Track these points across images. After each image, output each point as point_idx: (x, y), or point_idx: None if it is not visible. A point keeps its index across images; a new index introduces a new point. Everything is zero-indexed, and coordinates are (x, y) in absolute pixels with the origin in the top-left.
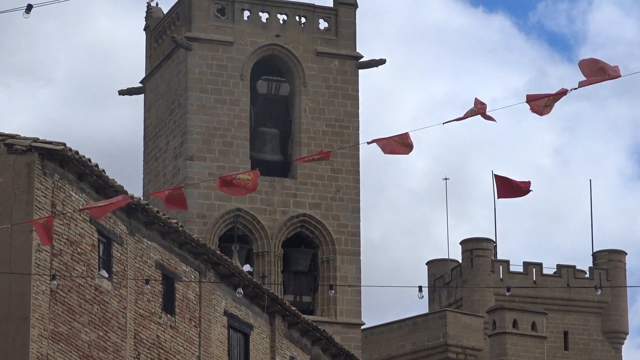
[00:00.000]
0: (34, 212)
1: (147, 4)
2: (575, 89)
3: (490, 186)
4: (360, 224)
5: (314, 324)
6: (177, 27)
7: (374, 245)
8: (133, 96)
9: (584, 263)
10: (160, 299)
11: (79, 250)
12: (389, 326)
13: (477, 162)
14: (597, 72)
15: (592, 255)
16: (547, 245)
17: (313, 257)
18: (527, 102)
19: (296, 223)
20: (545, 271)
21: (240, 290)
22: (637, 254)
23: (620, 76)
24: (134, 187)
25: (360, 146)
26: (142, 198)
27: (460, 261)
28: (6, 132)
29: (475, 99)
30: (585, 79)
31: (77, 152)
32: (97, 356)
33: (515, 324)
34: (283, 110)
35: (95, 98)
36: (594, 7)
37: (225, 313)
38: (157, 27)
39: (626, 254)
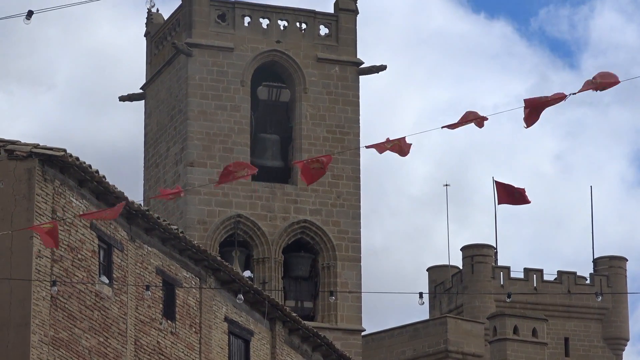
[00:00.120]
0: (35, 218)
1: (147, 10)
2: (574, 93)
3: (491, 192)
4: (361, 230)
5: (315, 330)
6: (177, 33)
7: (374, 251)
8: (134, 102)
9: (585, 269)
10: (161, 305)
11: (79, 256)
12: (389, 332)
13: (478, 168)
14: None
15: (592, 261)
16: (548, 251)
17: (313, 263)
18: (524, 107)
19: (297, 229)
20: (545, 277)
21: (240, 296)
22: (638, 260)
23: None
24: (135, 193)
25: (361, 152)
26: (142, 204)
27: (461, 267)
28: (7, 138)
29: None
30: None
31: (77, 158)
32: None
33: (515, 330)
34: (283, 117)
35: (96, 104)
36: (596, 13)
37: (226, 319)
38: (157, 33)
39: (627, 260)
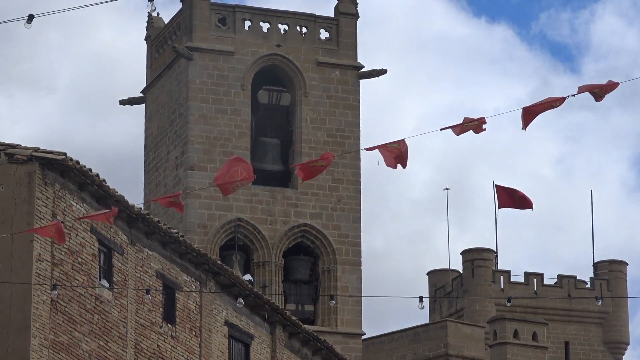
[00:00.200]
0: (35, 221)
1: (148, 14)
2: (573, 95)
3: (491, 196)
4: (361, 234)
5: (315, 334)
6: (178, 37)
7: (374, 255)
8: (134, 106)
9: (585, 273)
10: (161, 309)
11: (79, 260)
12: (389, 336)
13: (478, 172)
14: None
15: (593, 265)
16: (548, 255)
17: (313, 267)
18: (522, 112)
19: (297, 233)
20: (546, 281)
21: (240, 300)
22: (638, 264)
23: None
24: (135, 197)
25: (362, 156)
26: (142, 208)
27: (461, 271)
28: (8, 141)
29: (465, 118)
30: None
31: (77, 162)
32: None
33: (516, 334)
34: (284, 120)
35: (97, 108)
36: (597, 17)
37: (226, 323)
38: (158, 37)
39: (627, 264)
